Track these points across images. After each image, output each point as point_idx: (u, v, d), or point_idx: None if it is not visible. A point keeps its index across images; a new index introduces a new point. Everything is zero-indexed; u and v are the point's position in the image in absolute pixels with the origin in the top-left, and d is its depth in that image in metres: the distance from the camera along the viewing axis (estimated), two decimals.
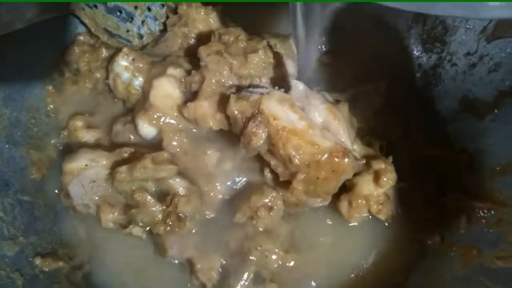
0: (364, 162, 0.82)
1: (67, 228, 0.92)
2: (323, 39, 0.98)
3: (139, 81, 0.90)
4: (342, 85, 0.94)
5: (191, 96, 0.84)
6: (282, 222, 0.84)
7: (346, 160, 0.71)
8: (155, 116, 0.85)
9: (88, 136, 0.93)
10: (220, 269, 0.83)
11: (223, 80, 0.81)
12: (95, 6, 0.95)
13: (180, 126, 0.86)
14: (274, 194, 0.81)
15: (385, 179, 0.80)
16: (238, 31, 0.86)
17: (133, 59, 0.90)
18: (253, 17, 1.01)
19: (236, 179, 0.85)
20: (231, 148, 0.84)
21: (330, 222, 0.87)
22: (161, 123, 0.85)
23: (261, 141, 0.72)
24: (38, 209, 0.90)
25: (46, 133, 0.97)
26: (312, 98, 0.76)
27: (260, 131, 0.71)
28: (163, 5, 0.99)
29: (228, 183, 0.85)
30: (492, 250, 0.74)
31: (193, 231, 0.83)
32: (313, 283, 0.84)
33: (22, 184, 0.89)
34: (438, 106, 0.95)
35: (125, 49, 0.90)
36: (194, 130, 0.86)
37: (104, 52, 0.97)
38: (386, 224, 0.86)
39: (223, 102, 0.78)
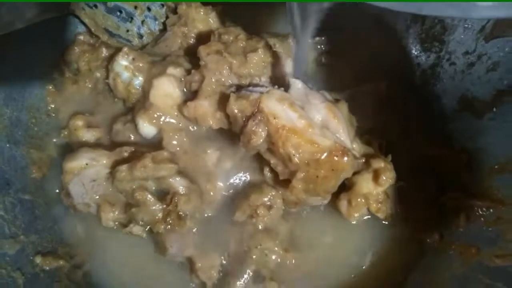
0: (363, 161, 0.82)
1: (68, 227, 0.92)
2: (323, 39, 0.99)
3: (139, 80, 0.90)
4: (341, 85, 0.94)
5: (191, 95, 0.84)
6: (282, 221, 0.84)
7: (346, 158, 0.72)
8: (155, 115, 0.85)
9: (88, 136, 0.93)
10: (220, 268, 0.83)
11: (223, 79, 0.81)
12: (95, 6, 0.95)
13: (180, 125, 0.86)
14: (273, 193, 0.81)
15: (384, 177, 0.81)
16: (238, 30, 0.86)
17: (133, 59, 0.90)
18: (253, 17, 1.01)
19: (236, 177, 0.86)
20: (231, 147, 0.84)
21: (330, 221, 0.87)
22: (161, 122, 0.85)
23: (261, 140, 0.72)
24: (39, 208, 0.90)
25: (47, 132, 0.97)
26: (311, 97, 0.76)
27: (260, 130, 0.71)
28: (162, 5, 0.99)
29: (228, 182, 0.85)
30: (491, 248, 0.74)
31: (193, 229, 0.84)
32: (312, 282, 0.84)
33: (23, 183, 0.89)
34: (437, 105, 0.95)
35: (125, 49, 0.91)
36: (194, 129, 0.86)
37: (104, 52, 0.97)
38: (386, 223, 0.86)
39: (223, 101, 0.78)
